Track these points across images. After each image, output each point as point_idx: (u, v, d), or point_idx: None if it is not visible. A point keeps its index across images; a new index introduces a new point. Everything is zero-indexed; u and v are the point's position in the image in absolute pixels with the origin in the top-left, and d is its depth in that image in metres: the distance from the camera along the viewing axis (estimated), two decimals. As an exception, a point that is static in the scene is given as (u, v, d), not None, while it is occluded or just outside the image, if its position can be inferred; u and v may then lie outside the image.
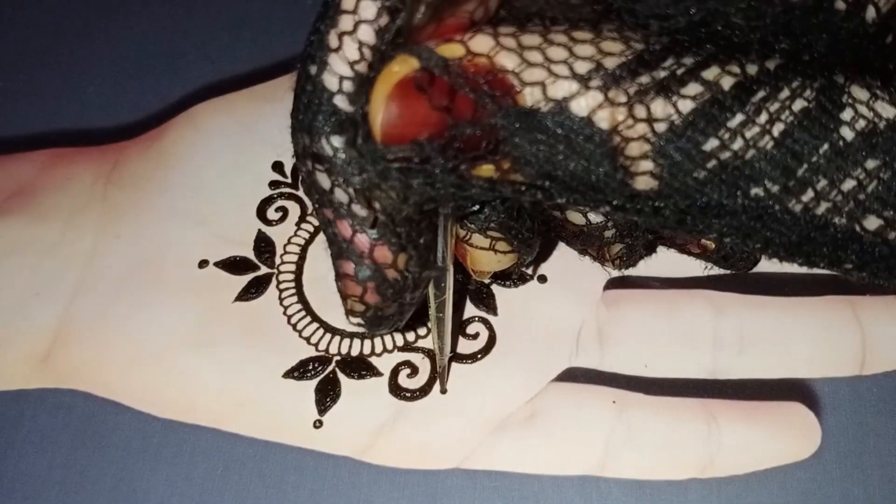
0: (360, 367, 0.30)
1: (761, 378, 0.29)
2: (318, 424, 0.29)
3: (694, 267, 0.31)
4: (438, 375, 0.30)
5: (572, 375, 0.29)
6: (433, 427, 0.29)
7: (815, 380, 0.29)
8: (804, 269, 0.30)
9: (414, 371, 0.30)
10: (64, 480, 0.29)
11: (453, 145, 0.20)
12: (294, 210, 0.34)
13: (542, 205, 0.27)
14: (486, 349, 0.30)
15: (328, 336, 0.31)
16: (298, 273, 0.33)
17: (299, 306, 0.32)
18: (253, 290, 0.32)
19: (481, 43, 0.20)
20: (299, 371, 0.30)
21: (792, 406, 0.28)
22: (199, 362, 0.30)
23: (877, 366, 0.29)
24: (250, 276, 0.32)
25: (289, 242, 0.33)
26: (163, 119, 0.36)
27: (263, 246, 0.33)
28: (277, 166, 0.35)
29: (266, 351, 0.31)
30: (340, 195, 0.22)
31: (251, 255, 0.33)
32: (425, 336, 0.31)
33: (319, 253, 0.33)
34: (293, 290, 0.32)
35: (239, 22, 0.41)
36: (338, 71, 0.21)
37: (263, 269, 0.33)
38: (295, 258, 0.33)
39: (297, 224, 0.34)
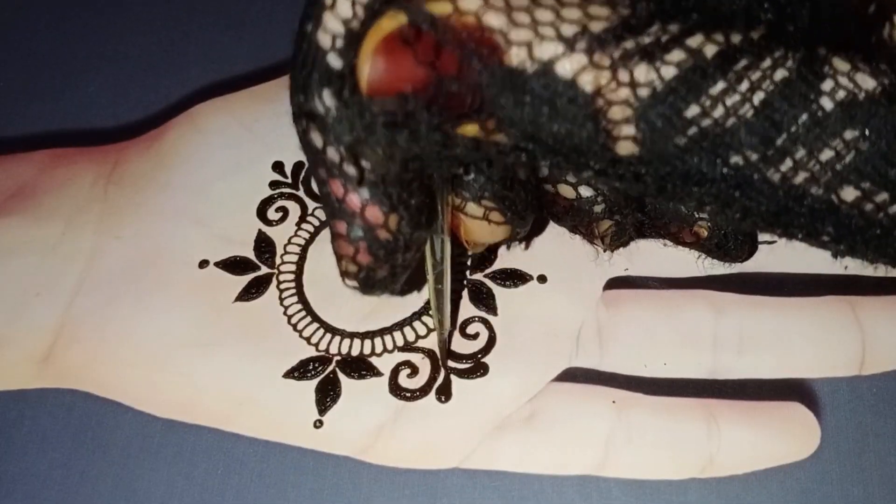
0: (360, 367, 0.30)
1: (761, 378, 0.29)
2: (318, 424, 0.29)
3: (694, 267, 0.31)
4: (440, 350, 0.30)
5: (572, 375, 0.29)
6: (433, 427, 0.29)
7: (815, 380, 0.29)
8: (804, 269, 0.30)
9: (414, 371, 0.30)
10: (64, 480, 0.29)
11: (438, 101, 0.20)
12: (294, 210, 0.34)
13: (535, 176, 0.28)
14: (486, 349, 0.30)
15: (328, 336, 0.31)
16: (299, 273, 0.33)
17: (299, 306, 0.32)
18: (253, 290, 0.32)
19: (470, 1, 0.20)
20: (299, 371, 0.30)
21: (791, 406, 0.28)
22: (199, 362, 0.30)
23: (876, 366, 0.29)
24: (250, 276, 0.32)
25: (289, 242, 0.33)
26: (163, 119, 0.36)
27: (264, 246, 0.33)
28: (278, 166, 0.35)
29: (266, 351, 0.31)
30: (332, 154, 0.23)
31: (251, 256, 0.33)
32: (426, 336, 0.31)
33: (320, 253, 0.33)
34: (293, 290, 0.32)
35: (239, 22, 0.41)
36: (331, 28, 0.22)
37: (264, 269, 0.33)
38: (295, 258, 0.33)
39: (298, 224, 0.34)
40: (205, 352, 0.31)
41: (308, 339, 0.31)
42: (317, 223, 0.34)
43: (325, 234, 0.33)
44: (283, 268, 0.33)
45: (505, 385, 0.29)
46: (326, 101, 0.22)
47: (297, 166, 0.35)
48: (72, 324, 0.31)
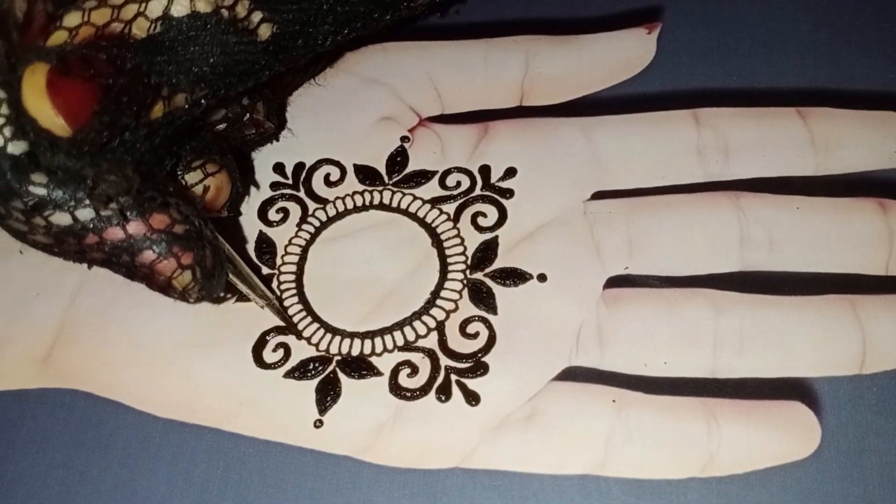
0: (360, 367, 0.30)
1: (761, 377, 0.29)
2: (318, 424, 0.29)
3: (695, 265, 0.31)
4: (284, 320, 0.31)
5: (572, 374, 0.29)
6: (433, 427, 0.29)
7: (815, 379, 0.29)
8: (804, 269, 0.30)
9: (414, 371, 0.30)
10: (64, 480, 0.29)
11: (122, 100, 0.23)
12: (295, 211, 0.34)
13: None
14: (486, 349, 0.30)
15: (328, 336, 0.31)
16: (299, 274, 0.33)
17: (300, 307, 0.32)
18: (254, 291, 0.32)
19: (73, 18, 0.23)
20: (300, 371, 0.30)
21: (792, 405, 0.28)
22: (199, 362, 0.31)
23: (877, 365, 0.29)
24: (251, 276, 0.33)
25: (290, 243, 0.33)
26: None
27: (264, 247, 0.33)
28: (278, 167, 0.35)
29: (267, 351, 0.31)
30: (85, 214, 0.25)
31: (252, 256, 0.33)
32: (426, 336, 0.31)
33: (320, 254, 0.33)
34: (294, 291, 0.32)
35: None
36: None
37: (264, 270, 0.33)
38: (296, 259, 0.33)
39: (298, 225, 0.34)
40: (205, 352, 0.31)
41: (308, 339, 0.31)
42: (318, 224, 0.34)
43: (326, 234, 0.33)
44: (283, 268, 0.33)
45: (505, 384, 0.29)
46: (37, 181, 0.24)
47: (298, 167, 0.35)
48: (72, 324, 0.31)
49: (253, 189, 0.34)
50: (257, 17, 0.24)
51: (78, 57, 0.22)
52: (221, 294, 0.29)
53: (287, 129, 0.35)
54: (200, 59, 0.24)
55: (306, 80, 0.36)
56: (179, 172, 0.28)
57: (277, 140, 0.35)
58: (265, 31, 0.25)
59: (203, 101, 0.25)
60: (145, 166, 0.24)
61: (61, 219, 0.24)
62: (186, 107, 0.25)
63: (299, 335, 0.31)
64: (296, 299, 0.32)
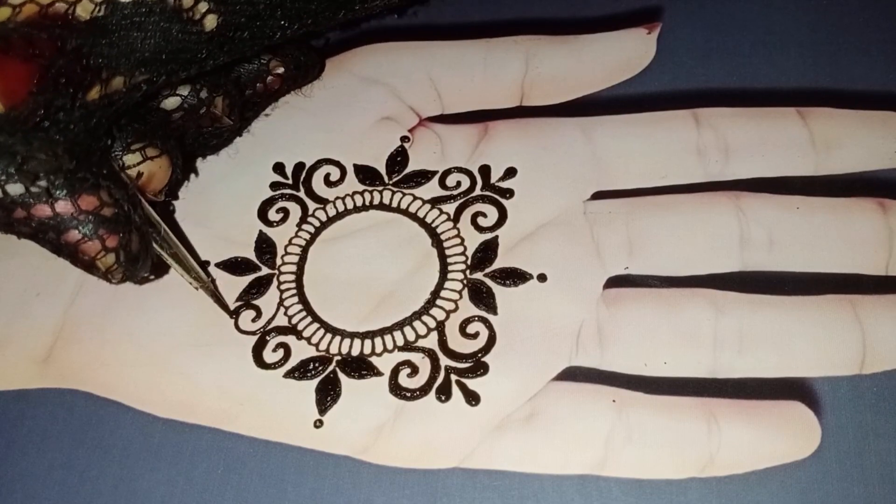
0: (360, 367, 0.30)
1: (761, 377, 0.29)
2: (318, 424, 0.29)
3: (695, 266, 0.31)
4: (217, 302, 0.31)
5: (572, 374, 0.29)
6: (433, 427, 0.29)
7: (816, 379, 0.29)
8: (804, 269, 0.30)
9: (414, 371, 0.30)
10: (64, 480, 0.29)
11: (60, 81, 0.23)
12: (295, 211, 0.34)
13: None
14: (486, 349, 0.30)
15: (329, 336, 0.31)
16: (299, 273, 0.33)
17: (300, 307, 0.32)
18: (254, 291, 0.32)
19: None
20: (300, 371, 0.30)
21: (792, 405, 0.28)
22: (199, 362, 0.31)
23: (877, 365, 0.29)
24: (251, 276, 0.33)
25: (290, 243, 0.33)
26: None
27: (265, 247, 0.33)
28: (278, 167, 0.35)
29: (266, 350, 0.31)
30: (15, 189, 0.24)
31: (252, 256, 0.33)
32: (426, 336, 0.31)
33: (320, 254, 0.33)
34: (294, 291, 0.32)
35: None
36: None
37: (265, 270, 0.33)
38: (296, 259, 0.33)
39: (298, 225, 0.34)
40: (205, 352, 0.31)
41: (308, 339, 0.31)
42: (318, 224, 0.34)
43: (326, 234, 0.33)
44: (283, 268, 0.33)
45: (505, 384, 0.29)
46: None
47: (298, 167, 0.35)
48: (72, 324, 0.32)
49: (253, 189, 0.35)
50: (203, 7, 0.25)
51: (19, 35, 0.23)
52: (146, 275, 0.29)
53: (247, 131, 0.35)
54: (142, 44, 0.24)
55: (294, 89, 0.36)
56: (118, 153, 0.28)
57: (240, 135, 0.35)
58: (211, 22, 0.25)
59: (143, 85, 0.25)
60: (79, 147, 0.25)
61: None
62: (125, 90, 0.25)
63: (231, 315, 0.31)
64: (296, 299, 0.32)
